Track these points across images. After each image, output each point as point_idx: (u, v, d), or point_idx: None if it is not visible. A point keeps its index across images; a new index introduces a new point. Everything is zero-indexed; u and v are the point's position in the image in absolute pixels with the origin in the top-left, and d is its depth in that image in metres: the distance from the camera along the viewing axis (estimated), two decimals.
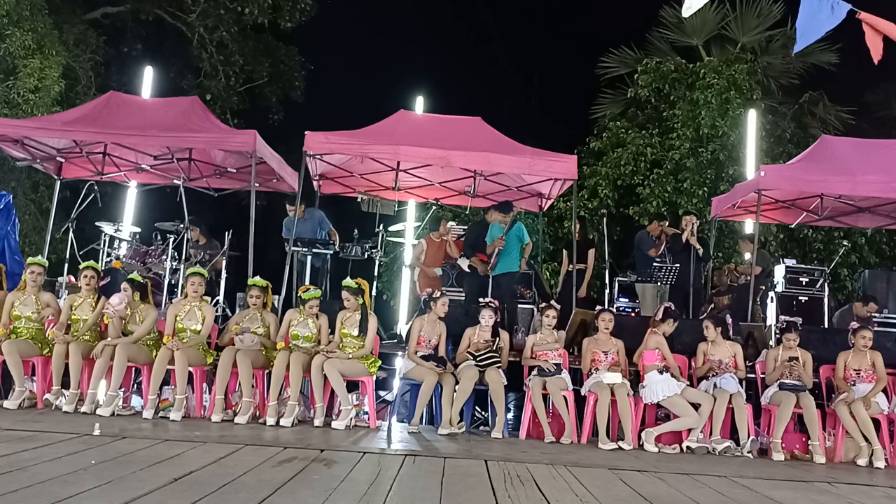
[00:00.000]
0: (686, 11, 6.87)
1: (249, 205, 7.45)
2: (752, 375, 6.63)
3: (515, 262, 7.89)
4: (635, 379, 6.31)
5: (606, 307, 6.89)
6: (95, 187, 8.08)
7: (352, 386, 5.99)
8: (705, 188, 12.43)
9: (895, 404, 6.03)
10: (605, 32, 16.28)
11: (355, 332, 5.98)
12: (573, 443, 5.86)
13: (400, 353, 6.95)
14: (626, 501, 3.65)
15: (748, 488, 4.23)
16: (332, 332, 6.12)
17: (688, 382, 6.16)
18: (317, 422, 5.72)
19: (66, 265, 8.32)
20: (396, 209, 9.74)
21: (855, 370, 6.15)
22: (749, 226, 9.74)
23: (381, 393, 7.27)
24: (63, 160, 8.58)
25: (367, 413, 6.00)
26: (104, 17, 15.69)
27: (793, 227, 10.49)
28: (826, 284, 8.75)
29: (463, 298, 8.09)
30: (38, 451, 3.87)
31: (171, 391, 5.81)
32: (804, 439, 5.98)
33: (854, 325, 6.46)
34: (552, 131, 15.69)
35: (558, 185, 8.20)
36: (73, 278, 7.81)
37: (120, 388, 5.67)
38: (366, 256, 8.41)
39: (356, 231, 8.56)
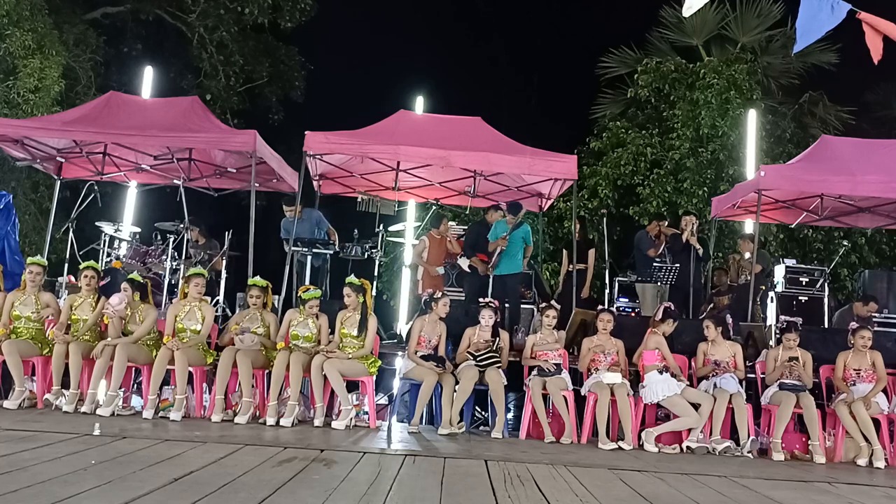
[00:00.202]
0: (686, 11, 6.88)
1: (249, 205, 7.45)
2: (752, 375, 6.63)
3: (520, 264, 7.90)
4: (635, 379, 6.31)
5: (607, 307, 6.88)
6: (95, 187, 8.08)
7: (352, 386, 5.99)
8: (705, 188, 12.43)
9: (895, 404, 6.03)
10: (605, 32, 16.28)
11: (355, 332, 5.98)
12: (573, 443, 5.86)
13: (400, 353, 6.95)
14: (626, 501, 3.65)
15: (748, 488, 4.23)
16: (332, 332, 6.12)
17: (687, 382, 6.16)
18: (317, 422, 5.72)
19: (66, 265, 8.32)
20: (396, 209, 9.74)
21: (855, 370, 6.15)
22: (749, 226, 9.74)
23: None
24: (63, 160, 8.58)
25: (367, 413, 6.00)
26: (104, 17, 15.69)
27: (793, 227, 10.49)
28: (826, 284, 8.75)
29: (463, 298, 8.09)
30: (38, 451, 3.87)
31: (171, 391, 5.81)
32: (804, 439, 5.98)
33: (853, 325, 6.46)
34: (552, 131, 15.69)
35: (558, 185, 8.21)
36: (73, 278, 7.81)
37: (120, 388, 5.67)
38: (366, 256, 8.41)
39: (356, 231, 8.56)
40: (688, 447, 5.80)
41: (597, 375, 6.13)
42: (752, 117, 11.09)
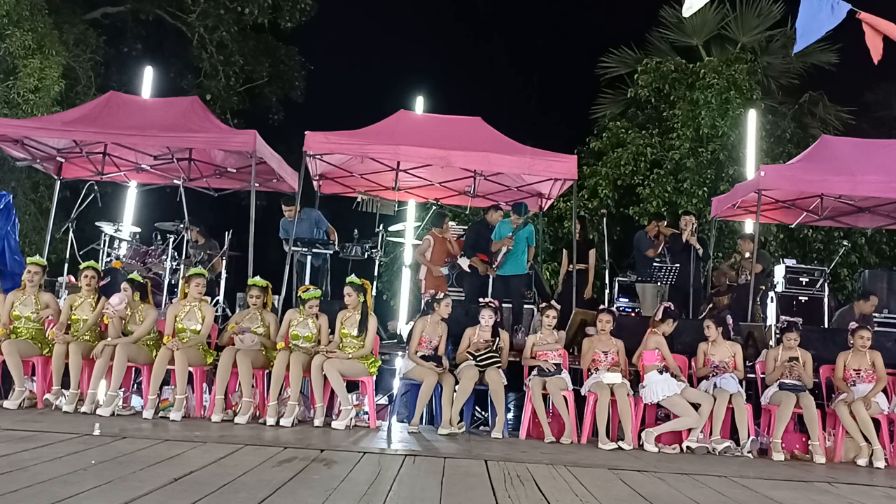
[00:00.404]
0: (686, 11, 6.87)
1: (249, 205, 7.45)
2: (752, 375, 6.63)
3: (524, 265, 7.90)
4: (635, 379, 6.31)
5: (607, 307, 6.88)
6: (95, 187, 8.08)
7: (352, 386, 5.99)
8: (705, 188, 12.43)
9: (895, 404, 6.03)
10: (605, 32, 16.28)
11: (355, 332, 5.98)
12: (573, 443, 5.86)
13: (400, 353, 6.95)
14: (626, 501, 3.65)
15: (748, 488, 4.23)
16: (332, 332, 6.12)
17: (687, 382, 6.16)
18: (317, 422, 5.72)
19: (66, 265, 8.32)
20: (396, 209, 9.73)
21: (855, 370, 6.15)
22: (749, 226, 9.74)
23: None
24: (63, 160, 8.58)
25: (367, 413, 6.00)
26: (104, 17, 15.69)
27: (793, 227, 10.49)
28: (826, 284, 8.75)
29: (463, 298, 8.09)
30: (38, 451, 3.87)
31: (171, 391, 5.81)
32: (804, 439, 5.98)
33: (853, 325, 6.46)
34: (552, 131, 15.71)
35: (558, 185, 8.20)
36: (73, 278, 7.81)
37: (120, 388, 5.67)
38: (366, 256, 8.41)
39: (356, 231, 8.55)
40: (688, 447, 5.80)
41: (597, 375, 6.13)
42: (752, 117, 11.09)
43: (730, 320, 6.51)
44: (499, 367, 6.16)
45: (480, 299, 6.74)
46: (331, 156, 7.95)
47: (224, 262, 8.09)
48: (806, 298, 8.63)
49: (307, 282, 7.91)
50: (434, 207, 9.64)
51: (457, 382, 6.00)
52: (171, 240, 7.88)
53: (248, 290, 6.23)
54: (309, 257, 8.24)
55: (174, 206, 8.31)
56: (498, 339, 6.33)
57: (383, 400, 7.31)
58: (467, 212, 10.31)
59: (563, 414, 5.97)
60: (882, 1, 6.19)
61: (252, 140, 7.26)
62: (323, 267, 8.59)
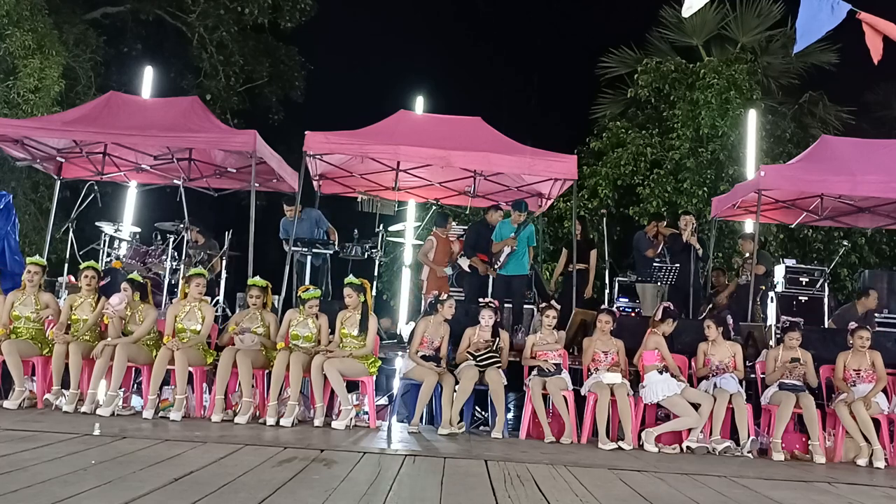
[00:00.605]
0: (686, 11, 6.87)
1: (249, 205, 7.45)
2: (752, 375, 6.63)
3: (526, 265, 7.89)
4: (635, 379, 6.31)
5: (607, 307, 6.88)
6: (95, 187, 8.08)
7: (352, 386, 5.99)
8: (705, 188, 12.43)
9: (895, 404, 6.03)
10: (605, 32, 16.29)
11: (355, 332, 5.98)
12: (573, 443, 5.86)
13: (400, 353, 6.95)
14: (626, 501, 3.65)
15: (748, 488, 4.23)
16: (332, 332, 6.11)
17: (687, 382, 6.16)
18: (317, 422, 5.72)
19: (66, 265, 8.32)
20: (396, 209, 9.74)
21: (854, 370, 6.15)
22: (749, 226, 9.74)
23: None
24: (63, 160, 8.58)
25: (367, 413, 6.00)
26: (104, 17, 15.69)
27: (793, 227, 10.49)
28: (826, 284, 8.75)
29: (463, 298, 8.08)
30: (38, 451, 3.87)
31: (171, 391, 5.81)
32: (804, 439, 5.98)
33: (852, 325, 6.46)
34: (552, 131, 15.72)
35: (558, 185, 8.20)
36: (73, 278, 7.81)
37: (120, 388, 5.67)
38: (366, 256, 8.40)
39: (356, 231, 8.55)
40: (688, 447, 5.80)
41: (597, 375, 6.13)
42: (752, 117, 11.10)
43: (730, 320, 6.51)
44: (499, 367, 6.16)
45: (480, 299, 6.74)
46: (331, 156, 7.95)
47: (224, 262, 8.09)
48: (806, 298, 8.63)
49: (307, 282, 7.91)
50: (434, 208, 9.64)
51: (457, 382, 6.00)
52: (171, 240, 7.87)
53: (248, 290, 6.23)
54: (309, 257, 8.24)
55: (174, 206, 8.31)
56: (498, 339, 6.33)
57: (383, 400, 7.31)
58: (467, 212, 10.31)
59: (563, 414, 5.97)
60: (882, 1, 6.19)
61: (252, 140, 7.26)
62: (323, 267, 8.59)
